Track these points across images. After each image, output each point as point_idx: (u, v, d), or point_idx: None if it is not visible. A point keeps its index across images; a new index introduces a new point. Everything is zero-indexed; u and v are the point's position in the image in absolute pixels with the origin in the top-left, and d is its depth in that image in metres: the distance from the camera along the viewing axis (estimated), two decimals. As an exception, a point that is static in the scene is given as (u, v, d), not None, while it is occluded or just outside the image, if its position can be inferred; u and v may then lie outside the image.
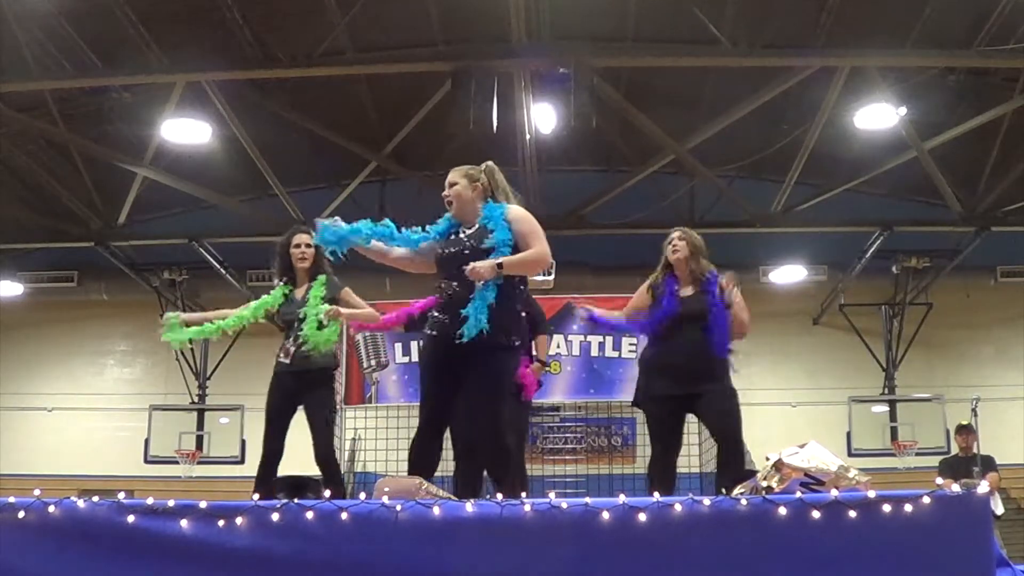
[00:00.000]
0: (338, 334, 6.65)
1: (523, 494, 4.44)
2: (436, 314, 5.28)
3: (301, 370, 6.51)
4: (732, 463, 5.79)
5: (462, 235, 5.35)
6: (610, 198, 14.60)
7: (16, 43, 11.45)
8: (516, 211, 5.36)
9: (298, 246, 6.72)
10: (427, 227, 5.45)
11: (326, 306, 6.46)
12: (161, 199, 15.45)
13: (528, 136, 12.66)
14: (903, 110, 12.80)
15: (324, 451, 6.50)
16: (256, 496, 4.50)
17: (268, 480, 6.43)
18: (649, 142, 13.66)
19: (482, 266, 5.04)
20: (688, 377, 5.88)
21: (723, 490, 4.91)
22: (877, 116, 13.20)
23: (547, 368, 6.49)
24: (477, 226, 5.32)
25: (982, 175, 14.32)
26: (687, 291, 6.12)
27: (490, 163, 5.54)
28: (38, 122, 13.36)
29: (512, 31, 10.73)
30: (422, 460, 5.24)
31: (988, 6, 11.71)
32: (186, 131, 13.52)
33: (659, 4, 12.39)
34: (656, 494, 4.30)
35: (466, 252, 5.21)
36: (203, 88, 12.33)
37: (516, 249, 5.21)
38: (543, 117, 12.19)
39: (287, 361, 6.52)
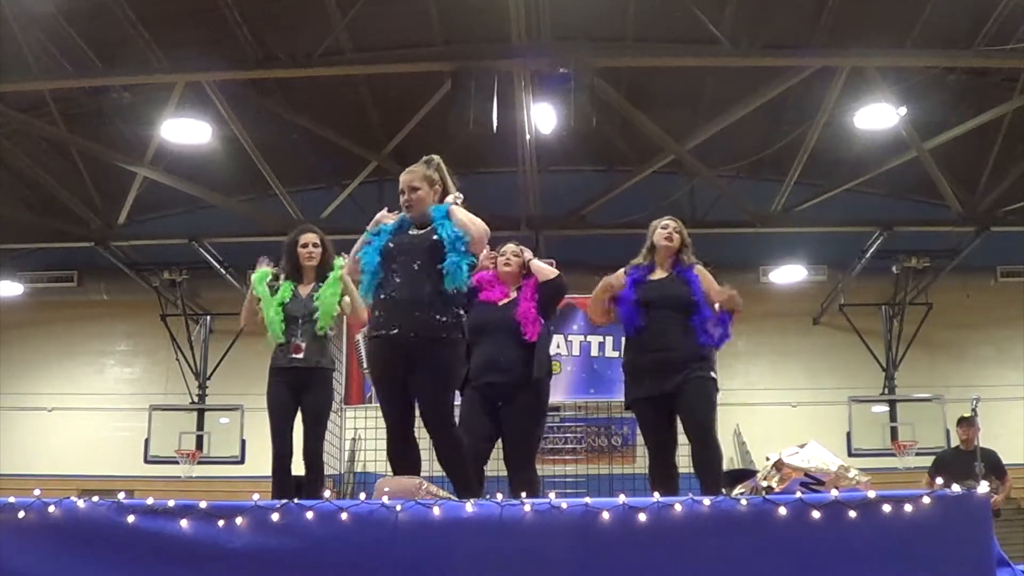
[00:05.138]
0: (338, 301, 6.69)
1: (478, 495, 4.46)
2: (381, 317, 5.20)
3: (308, 367, 6.56)
4: (708, 460, 5.62)
5: (411, 232, 5.30)
6: (610, 198, 14.62)
7: (16, 43, 11.44)
8: (456, 211, 5.28)
9: (305, 245, 6.75)
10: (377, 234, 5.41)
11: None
12: (161, 199, 15.47)
13: (528, 136, 12.67)
14: (903, 110, 12.80)
15: (314, 446, 6.54)
16: (257, 496, 4.49)
17: (286, 479, 6.46)
18: (649, 142, 13.67)
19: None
20: (667, 373, 5.71)
21: (723, 490, 4.89)
22: (877, 116, 13.20)
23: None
24: (428, 229, 5.26)
25: (982, 175, 14.33)
26: (661, 275, 6.01)
27: (436, 158, 5.46)
28: (38, 122, 13.37)
29: (512, 31, 10.74)
30: (402, 461, 5.25)
31: (988, 6, 11.71)
32: (186, 131, 13.52)
33: (659, 4, 12.38)
34: (656, 494, 4.30)
35: (416, 250, 5.18)
36: (203, 88, 12.34)
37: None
38: (543, 117, 12.19)
39: (300, 356, 6.55)
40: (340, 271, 6.62)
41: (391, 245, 5.25)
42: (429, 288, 5.09)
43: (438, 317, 5.08)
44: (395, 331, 5.10)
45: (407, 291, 5.11)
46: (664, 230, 6.08)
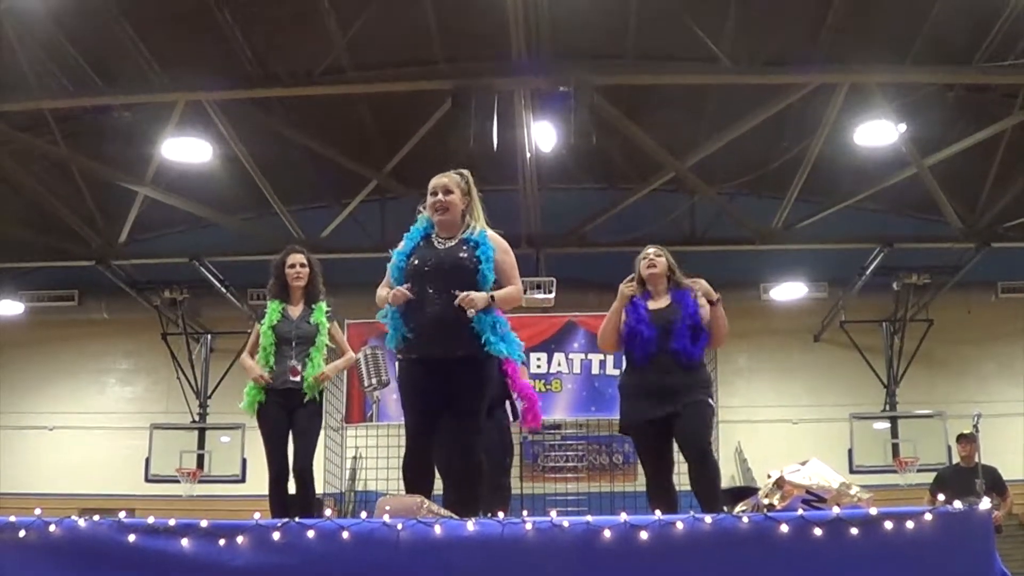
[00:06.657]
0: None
1: (500, 513, 4.45)
2: (410, 335, 5.19)
3: (302, 389, 6.60)
4: (706, 481, 5.62)
5: (437, 245, 5.29)
6: (611, 216, 14.62)
7: (17, 62, 11.48)
8: (500, 242, 5.34)
9: (292, 266, 6.79)
10: (402, 243, 5.41)
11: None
12: (162, 218, 15.48)
13: (528, 154, 12.70)
14: (903, 126, 12.83)
15: (305, 462, 6.57)
16: (258, 514, 4.49)
17: (283, 500, 6.48)
18: (649, 159, 13.69)
19: (477, 297, 5.04)
20: (664, 397, 5.71)
21: (724, 508, 4.88)
22: (877, 132, 13.23)
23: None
24: (455, 241, 5.27)
25: (982, 191, 14.34)
26: (660, 303, 5.98)
27: (466, 172, 5.50)
28: (39, 141, 13.38)
29: (512, 50, 10.77)
30: (417, 478, 5.20)
31: (987, 22, 11.75)
32: (187, 150, 13.56)
33: (659, 21, 12.41)
34: (657, 512, 4.29)
35: (444, 266, 5.18)
36: (204, 106, 12.36)
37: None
38: (543, 135, 12.23)
39: (297, 379, 6.58)
40: (325, 318, 6.73)
41: (416, 263, 5.23)
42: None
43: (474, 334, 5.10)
44: (433, 352, 5.11)
45: (445, 310, 5.09)
46: (644, 259, 6.07)
